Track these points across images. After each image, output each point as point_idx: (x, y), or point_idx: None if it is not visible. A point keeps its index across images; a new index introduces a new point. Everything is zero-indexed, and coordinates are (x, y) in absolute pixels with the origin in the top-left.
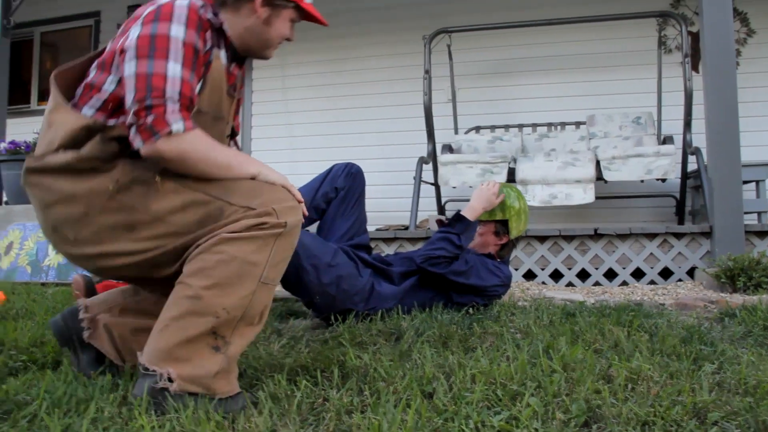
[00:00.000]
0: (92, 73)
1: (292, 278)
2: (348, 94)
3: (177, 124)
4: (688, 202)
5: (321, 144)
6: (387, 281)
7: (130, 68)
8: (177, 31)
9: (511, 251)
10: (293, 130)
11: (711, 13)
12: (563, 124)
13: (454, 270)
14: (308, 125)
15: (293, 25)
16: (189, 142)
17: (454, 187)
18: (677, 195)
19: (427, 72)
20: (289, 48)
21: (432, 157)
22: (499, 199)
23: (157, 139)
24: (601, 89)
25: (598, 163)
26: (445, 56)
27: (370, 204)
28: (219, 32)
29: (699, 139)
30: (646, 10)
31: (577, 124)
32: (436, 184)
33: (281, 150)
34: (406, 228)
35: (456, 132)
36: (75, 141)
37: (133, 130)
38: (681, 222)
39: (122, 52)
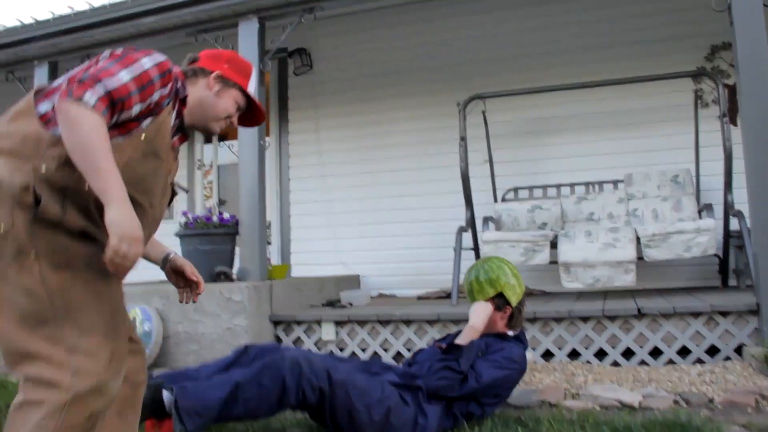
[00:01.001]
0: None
1: (344, 420)
2: (384, 157)
3: (91, 99)
4: (731, 260)
5: (358, 207)
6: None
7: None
8: (144, 61)
9: (521, 317)
10: (331, 193)
11: (746, 65)
12: (601, 183)
13: (468, 390)
14: (345, 188)
15: (237, 109)
16: (88, 116)
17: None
18: (720, 254)
19: (462, 139)
20: (325, 111)
21: (470, 224)
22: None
23: (69, 99)
24: (638, 146)
25: (638, 239)
26: (480, 118)
27: (408, 268)
28: (180, 101)
29: (741, 195)
30: (680, 70)
31: (615, 182)
32: (476, 249)
33: (319, 214)
34: (449, 296)
35: (495, 197)
36: None
37: (58, 94)
38: (725, 282)
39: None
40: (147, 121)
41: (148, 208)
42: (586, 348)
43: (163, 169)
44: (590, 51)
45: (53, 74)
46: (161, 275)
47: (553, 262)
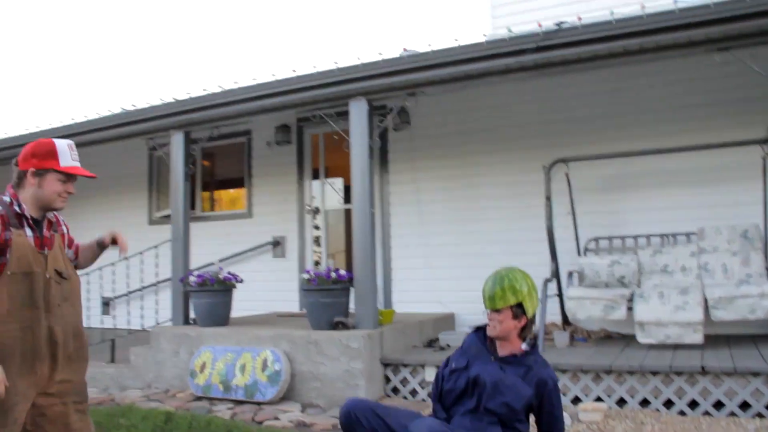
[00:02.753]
0: None
1: None
2: (475, 206)
3: None
4: None
5: (453, 251)
6: None
7: None
8: None
9: (531, 330)
10: (427, 238)
11: None
12: (675, 235)
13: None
14: (440, 234)
15: (64, 182)
16: None
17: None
18: None
19: (548, 198)
20: (421, 163)
21: (555, 274)
22: None
23: None
24: (709, 201)
25: (706, 300)
26: (564, 172)
27: None
28: (22, 216)
29: None
30: (750, 132)
31: (688, 234)
32: (560, 296)
33: (417, 257)
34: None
35: (578, 249)
36: None
37: None
38: None
39: None
40: (7, 257)
41: (52, 277)
42: (656, 398)
43: (42, 265)
44: (664, 112)
45: (187, 141)
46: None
47: (629, 308)
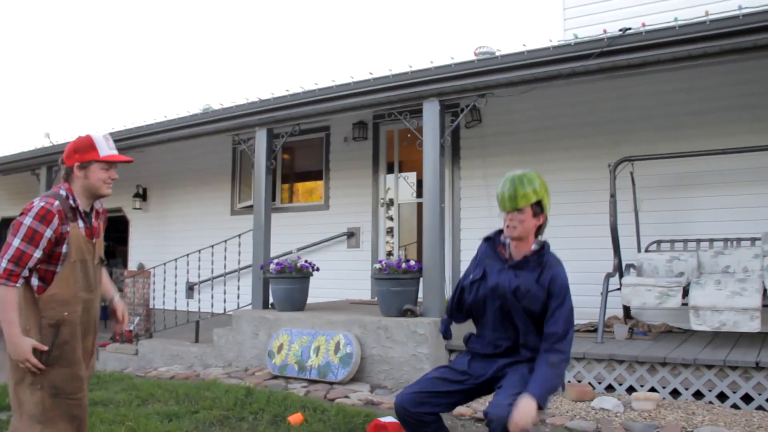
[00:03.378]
0: None
1: None
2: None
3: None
4: None
5: None
6: None
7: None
8: (26, 221)
9: (544, 228)
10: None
11: None
12: (739, 240)
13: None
14: None
15: (107, 170)
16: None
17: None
18: None
19: (612, 196)
20: (491, 160)
21: (617, 270)
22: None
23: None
24: None
25: (765, 290)
26: (629, 171)
27: None
28: (75, 210)
29: None
30: None
31: (753, 240)
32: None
33: None
34: (595, 329)
35: (638, 248)
36: None
37: None
38: None
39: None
40: (64, 247)
41: (97, 263)
42: (710, 390)
43: (91, 253)
44: (730, 111)
45: (269, 137)
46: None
47: (684, 304)
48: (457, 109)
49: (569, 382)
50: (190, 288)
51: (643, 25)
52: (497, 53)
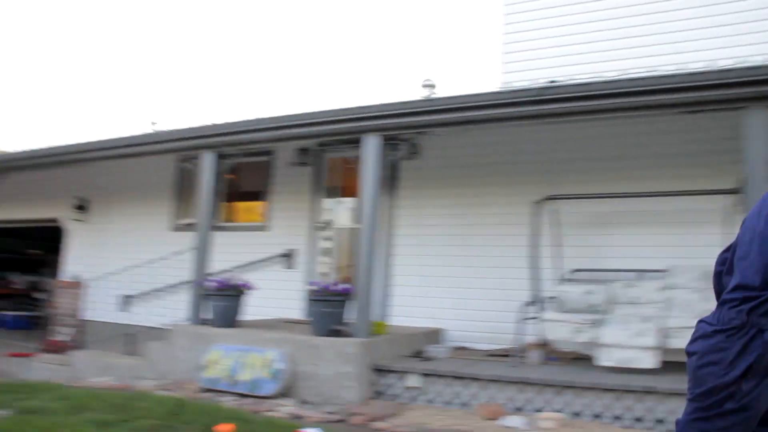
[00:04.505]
0: None
1: None
2: (471, 232)
3: None
4: None
5: (448, 273)
6: None
7: None
8: None
9: None
10: (426, 260)
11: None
12: (648, 271)
13: None
14: (437, 255)
15: None
16: None
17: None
18: None
19: (534, 232)
20: (426, 191)
21: (535, 300)
22: None
23: None
24: (682, 241)
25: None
26: (552, 206)
27: (483, 326)
28: None
29: None
30: (720, 182)
31: (659, 271)
32: (538, 318)
33: (414, 275)
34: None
35: (558, 278)
36: None
37: None
38: None
39: None
40: None
41: None
42: (608, 412)
43: None
44: (647, 158)
45: (216, 159)
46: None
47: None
48: (396, 142)
49: (481, 402)
50: (126, 301)
51: (570, 79)
52: (434, 95)
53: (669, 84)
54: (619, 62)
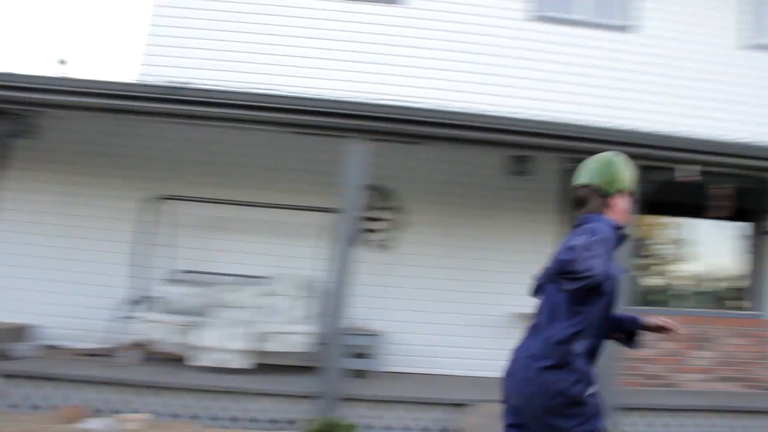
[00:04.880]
0: None
1: None
2: (75, 226)
3: None
4: None
5: (46, 264)
6: None
7: None
8: None
9: None
10: (26, 249)
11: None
12: (251, 277)
13: None
14: (39, 246)
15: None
16: None
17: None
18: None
19: (139, 229)
20: (43, 175)
21: (136, 299)
22: None
23: None
24: (282, 251)
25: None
26: (164, 206)
27: (79, 323)
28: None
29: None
30: (323, 201)
31: (262, 278)
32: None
33: (6, 277)
34: (106, 354)
35: (162, 279)
36: None
37: None
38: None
39: None
40: None
41: None
42: (202, 411)
43: None
44: (262, 170)
45: None
46: None
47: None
48: (8, 117)
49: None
50: None
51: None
52: (62, 75)
53: (282, 104)
54: (251, 76)
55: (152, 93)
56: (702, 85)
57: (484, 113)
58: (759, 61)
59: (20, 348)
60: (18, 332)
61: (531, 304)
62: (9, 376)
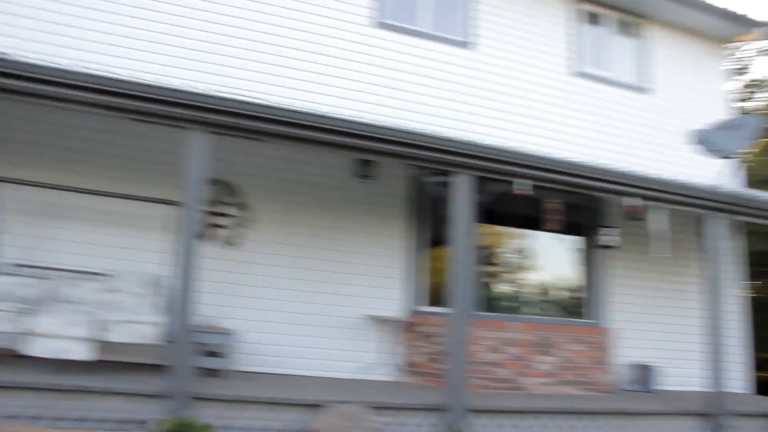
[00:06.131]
0: None
1: None
2: None
3: None
4: None
5: None
6: None
7: None
8: None
9: None
10: None
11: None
12: (91, 273)
13: None
14: None
15: None
16: None
17: None
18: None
19: None
20: None
21: None
22: None
23: None
24: (125, 243)
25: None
26: None
27: None
28: None
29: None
30: (160, 197)
31: (102, 274)
32: None
33: None
34: None
35: None
36: None
37: None
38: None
39: None
40: None
41: None
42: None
43: None
44: (99, 156)
45: None
46: None
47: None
48: None
49: None
50: None
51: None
52: None
53: (119, 88)
54: (79, 52)
55: None
56: (532, 104)
57: (326, 114)
58: (584, 88)
59: None
60: None
61: (384, 308)
62: None
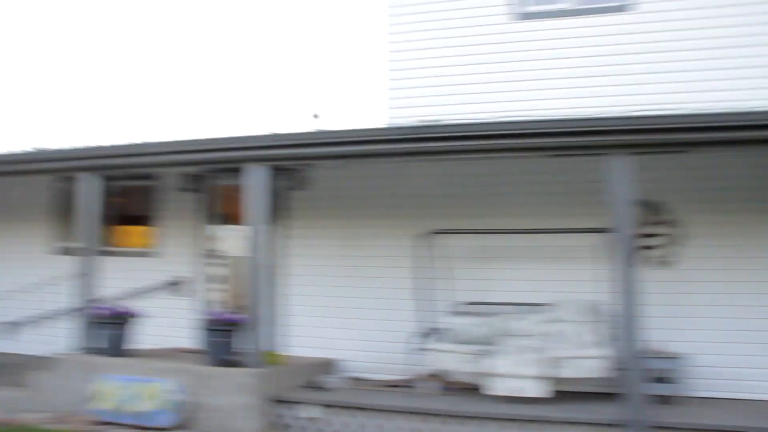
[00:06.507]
0: None
1: None
2: (361, 264)
3: None
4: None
5: (339, 304)
6: None
7: None
8: None
9: None
10: (320, 291)
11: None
12: (531, 305)
13: None
14: (330, 286)
15: None
16: None
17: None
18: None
19: (418, 264)
20: (319, 222)
21: (425, 331)
22: None
23: None
24: (559, 276)
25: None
26: (437, 240)
27: (375, 356)
28: None
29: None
30: (594, 221)
31: (542, 305)
32: (428, 349)
33: (309, 306)
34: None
35: (447, 310)
36: None
37: None
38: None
39: None
40: None
41: None
42: None
43: None
44: (526, 196)
45: (100, 181)
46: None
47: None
48: (285, 172)
49: None
50: (2, 329)
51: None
52: (321, 129)
53: (540, 129)
54: (499, 105)
55: (407, 134)
56: None
57: (754, 110)
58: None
59: (330, 380)
60: (326, 366)
61: None
62: (328, 405)
